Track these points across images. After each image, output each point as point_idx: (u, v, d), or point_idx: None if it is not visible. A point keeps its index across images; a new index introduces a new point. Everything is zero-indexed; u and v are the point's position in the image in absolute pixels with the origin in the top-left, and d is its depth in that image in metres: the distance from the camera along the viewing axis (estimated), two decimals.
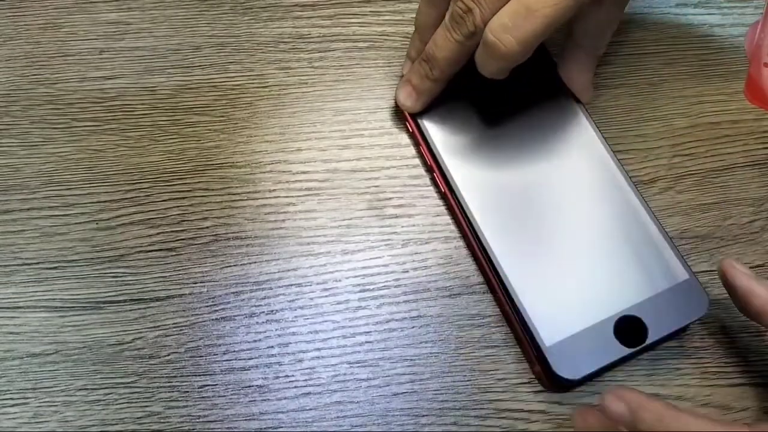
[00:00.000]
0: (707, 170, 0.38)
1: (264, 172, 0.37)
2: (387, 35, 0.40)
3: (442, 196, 0.36)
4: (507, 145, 0.36)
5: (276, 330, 0.34)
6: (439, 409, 0.33)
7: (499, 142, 0.36)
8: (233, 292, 0.34)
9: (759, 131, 0.39)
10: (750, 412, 0.33)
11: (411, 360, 0.33)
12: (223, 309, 0.34)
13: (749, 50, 0.31)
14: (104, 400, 0.32)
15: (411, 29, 0.36)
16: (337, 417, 0.32)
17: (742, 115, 0.39)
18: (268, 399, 0.33)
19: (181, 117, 0.38)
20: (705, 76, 0.40)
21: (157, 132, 0.37)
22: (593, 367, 0.31)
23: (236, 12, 0.40)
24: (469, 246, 0.35)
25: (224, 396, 0.32)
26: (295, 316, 0.34)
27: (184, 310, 0.34)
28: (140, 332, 0.33)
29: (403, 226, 0.36)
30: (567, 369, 0.31)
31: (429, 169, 0.37)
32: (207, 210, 0.36)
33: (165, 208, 0.36)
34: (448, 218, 0.36)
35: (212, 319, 0.34)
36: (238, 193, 0.36)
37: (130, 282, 0.34)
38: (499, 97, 0.36)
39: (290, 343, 0.34)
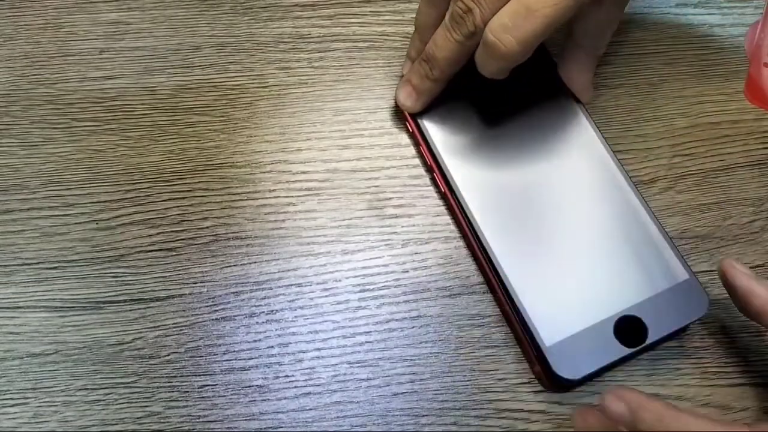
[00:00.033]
0: (707, 170, 0.38)
1: (264, 172, 0.37)
2: (387, 35, 0.40)
3: (442, 196, 0.36)
4: (507, 145, 0.36)
5: (276, 330, 0.34)
6: (439, 409, 0.33)
7: (499, 142, 0.36)
8: (233, 292, 0.34)
9: (759, 131, 0.39)
10: (750, 412, 0.33)
11: (411, 360, 0.33)
12: (223, 309, 0.34)
13: (749, 50, 0.31)
14: (104, 400, 0.32)
15: (411, 29, 0.36)
16: (337, 417, 0.32)
17: (742, 115, 0.39)
18: (268, 399, 0.33)
19: (181, 117, 0.38)
20: (705, 76, 0.40)
21: (157, 132, 0.37)
22: (593, 367, 0.31)
23: (236, 12, 0.40)
24: (469, 246, 0.35)
25: (224, 396, 0.32)
26: (295, 316, 0.34)
27: (184, 310, 0.34)
28: (140, 332, 0.33)
29: (403, 226, 0.36)
30: (567, 369, 0.31)
31: (429, 169, 0.37)
32: (207, 210, 0.36)
33: (165, 208, 0.36)
34: (448, 218, 0.36)
35: (212, 319, 0.34)
36: (238, 193, 0.36)
37: (130, 282, 0.34)
38: (499, 97, 0.36)
39: (290, 343, 0.34)
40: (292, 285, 0.35)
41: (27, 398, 0.32)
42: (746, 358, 0.34)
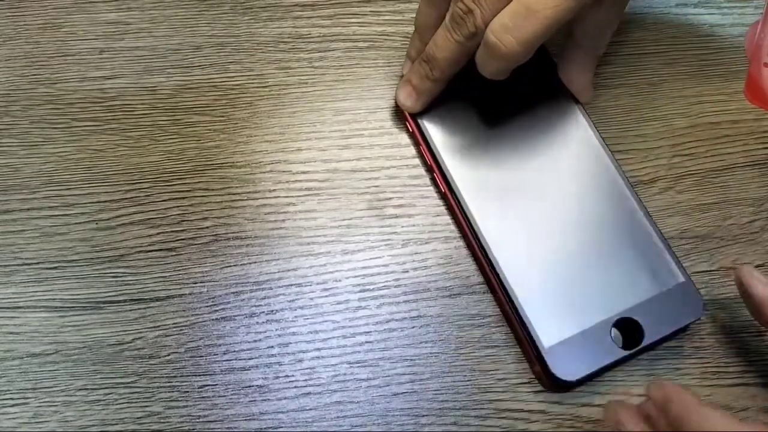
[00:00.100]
0: (707, 170, 0.38)
1: (264, 172, 0.37)
2: (387, 35, 0.40)
3: (442, 196, 0.36)
4: (507, 145, 0.36)
5: (276, 330, 0.34)
6: (439, 409, 0.33)
7: (499, 142, 0.36)
8: (233, 292, 0.34)
9: (759, 131, 0.39)
10: (750, 412, 0.33)
11: (411, 360, 0.33)
12: (223, 309, 0.34)
13: (749, 50, 0.31)
14: (104, 400, 0.32)
15: (411, 29, 0.36)
16: (337, 417, 0.32)
17: (742, 115, 0.39)
18: (268, 399, 0.33)
19: (181, 117, 0.38)
20: (705, 76, 0.40)
21: (157, 132, 0.37)
22: (591, 368, 0.32)
23: (236, 12, 0.40)
24: (469, 246, 0.35)
25: (224, 396, 0.32)
26: (295, 316, 0.34)
27: (184, 310, 0.34)
28: (140, 332, 0.33)
29: (403, 226, 0.36)
30: (565, 370, 0.31)
31: (429, 169, 0.37)
32: (207, 210, 0.36)
33: (165, 208, 0.36)
34: (448, 218, 0.36)
35: (212, 319, 0.34)
36: (238, 193, 0.36)
37: (130, 282, 0.34)
38: (499, 98, 0.36)
39: (290, 343, 0.34)
40: (292, 285, 0.35)
41: (27, 398, 0.32)
42: (746, 358, 0.34)
